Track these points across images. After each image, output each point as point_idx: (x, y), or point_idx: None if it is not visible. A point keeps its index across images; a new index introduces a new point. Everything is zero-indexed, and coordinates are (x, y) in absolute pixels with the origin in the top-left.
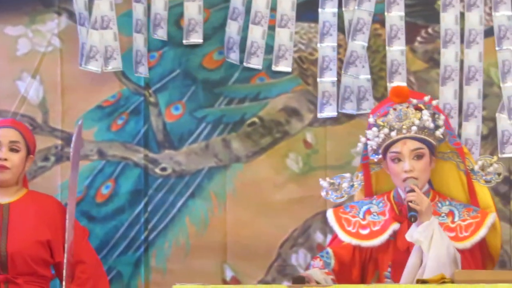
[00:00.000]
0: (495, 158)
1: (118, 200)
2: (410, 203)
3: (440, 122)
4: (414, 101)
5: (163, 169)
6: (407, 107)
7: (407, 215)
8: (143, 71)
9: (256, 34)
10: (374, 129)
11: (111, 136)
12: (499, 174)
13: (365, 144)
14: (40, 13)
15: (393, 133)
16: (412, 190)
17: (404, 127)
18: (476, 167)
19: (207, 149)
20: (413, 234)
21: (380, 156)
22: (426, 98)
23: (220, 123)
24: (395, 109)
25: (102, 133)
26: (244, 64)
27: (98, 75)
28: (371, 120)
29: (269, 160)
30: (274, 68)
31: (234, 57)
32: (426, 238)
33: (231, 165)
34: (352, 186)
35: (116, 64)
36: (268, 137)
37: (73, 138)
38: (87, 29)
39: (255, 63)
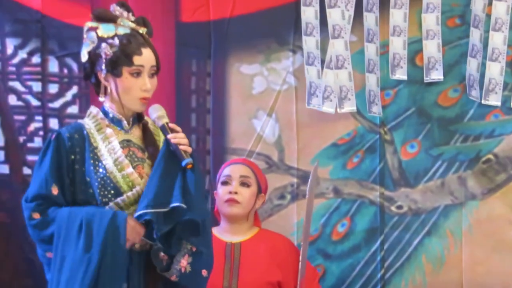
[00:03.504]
0: None
1: (354, 238)
2: None
3: None
4: None
5: (399, 207)
6: None
7: None
8: (376, 110)
9: (494, 71)
10: None
11: (347, 174)
12: None
13: None
14: (275, 51)
15: None
16: None
17: None
18: None
19: (443, 186)
20: None
21: None
22: None
23: (455, 160)
24: None
25: (337, 171)
26: (482, 101)
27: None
28: None
29: (504, 197)
30: None
31: (475, 94)
32: None
33: (466, 203)
34: None
35: (350, 105)
36: (503, 174)
37: (310, 177)
38: (317, 69)
39: (494, 100)
